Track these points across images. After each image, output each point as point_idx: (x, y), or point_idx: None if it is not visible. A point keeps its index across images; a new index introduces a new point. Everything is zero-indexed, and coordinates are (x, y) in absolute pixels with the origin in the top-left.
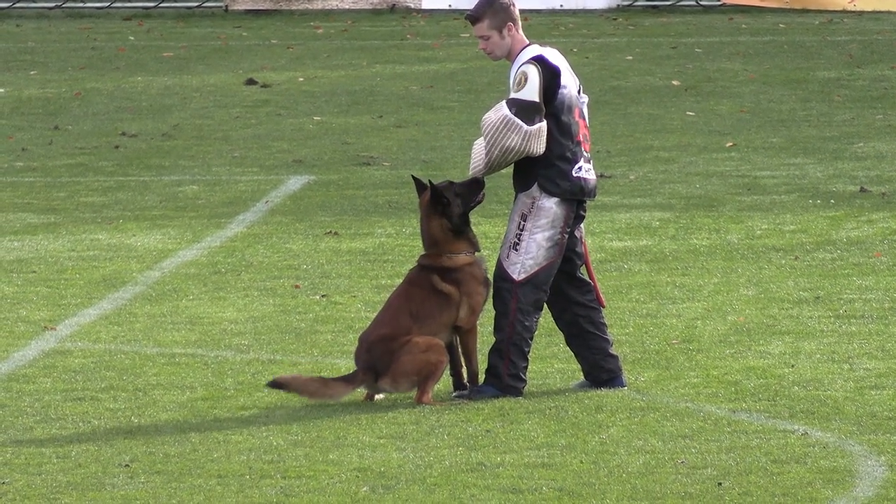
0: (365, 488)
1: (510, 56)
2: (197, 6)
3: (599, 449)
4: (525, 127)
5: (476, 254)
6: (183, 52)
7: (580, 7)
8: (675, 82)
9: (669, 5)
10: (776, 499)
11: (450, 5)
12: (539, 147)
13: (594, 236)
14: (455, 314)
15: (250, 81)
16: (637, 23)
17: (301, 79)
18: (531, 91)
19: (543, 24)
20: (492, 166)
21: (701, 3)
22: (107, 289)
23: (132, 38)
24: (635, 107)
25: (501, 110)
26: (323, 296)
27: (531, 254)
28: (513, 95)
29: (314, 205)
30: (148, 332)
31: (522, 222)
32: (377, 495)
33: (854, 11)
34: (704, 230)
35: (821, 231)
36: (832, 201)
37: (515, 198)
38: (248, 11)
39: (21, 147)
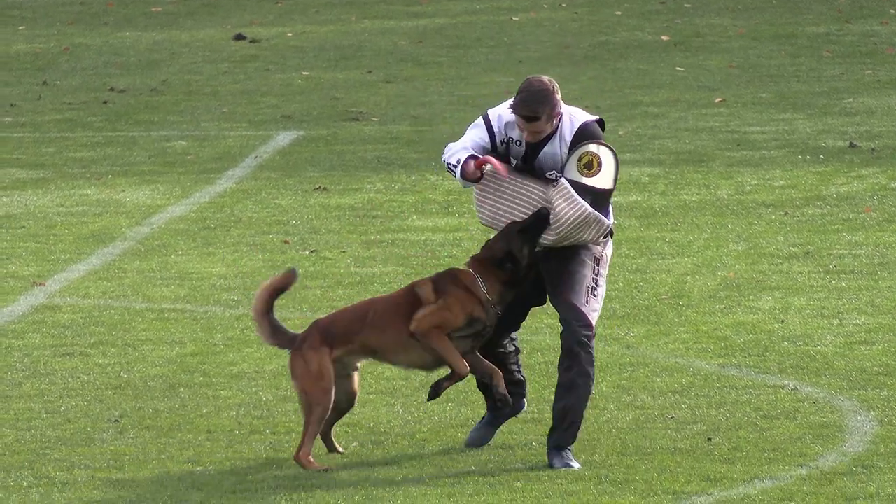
0: (355, 444)
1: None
2: None
3: (590, 404)
4: (605, 222)
5: (492, 306)
6: (171, 8)
7: None
8: (664, 37)
9: None
10: (766, 454)
11: None
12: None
13: None
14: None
15: (239, 37)
16: None
17: (290, 34)
18: (607, 178)
19: None
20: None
21: None
22: (96, 244)
23: None
24: (624, 62)
25: (578, 204)
26: (312, 251)
27: (601, 303)
28: (584, 181)
29: (303, 160)
30: (137, 287)
31: (596, 267)
32: (367, 450)
33: None
34: (694, 185)
35: (810, 186)
36: (821, 157)
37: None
38: None
39: (10, 102)
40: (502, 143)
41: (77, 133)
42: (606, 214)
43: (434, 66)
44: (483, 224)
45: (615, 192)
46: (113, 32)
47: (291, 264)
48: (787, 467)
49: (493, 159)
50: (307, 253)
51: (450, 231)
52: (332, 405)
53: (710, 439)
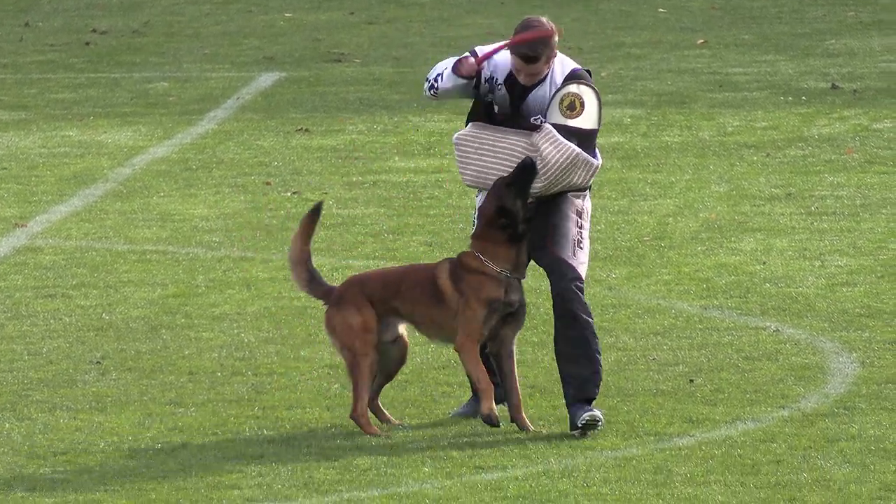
0: (336, 385)
1: None
2: None
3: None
4: (594, 162)
5: (508, 276)
6: None
7: None
8: None
9: None
10: (748, 395)
11: None
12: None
13: None
14: (451, 317)
15: None
16: None
17: None
18: (590, 118)
19: None
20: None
21: None
22: (78, 185)
23: None
24: (606, 3)
25: (564, 146)
26: (294, 192)
27: (588, 256)
28: (567, 122)
29: (285, 101)
30: (119, 228)
31: (579, 220)
32: (349, 392)
33: None
34: (676, 127)
35: (792, 128)
36: (804, 98)
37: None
38: None
39: None
40: (486, 80)
41: (59, 74)
42: (594, 155)
43: (416, 7)
44: (468, 185)
45: (599, 134)
46: None
47: (273, 206)
48: (769, 409)
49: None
50: (289, 194)
51: (431, 172)
52: (377, 362)
53: (692, 381)
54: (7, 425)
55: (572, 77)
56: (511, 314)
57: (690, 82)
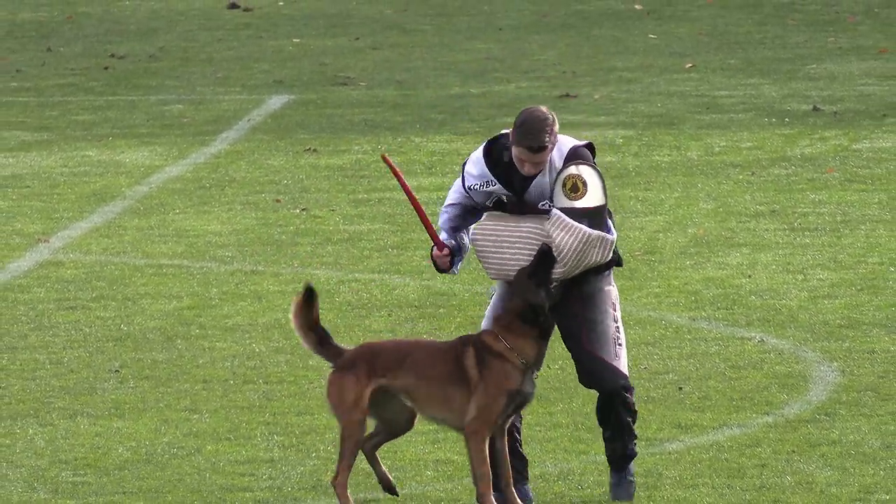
0: None
1: None
2: None
3: (566, 356)
4: (609, 237)
5: (526, 366)
6: None
7: None
8: (637, 6)
9: None
10: (734, 402)
11: None
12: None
13: None
14: (466, 400)
15: (233, 6)
16: None
17: (281, 2)
18: (595, 196)
19: None
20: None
21: None
22: (97, 203)
23: None
24: (599, 29)
25: (575, 229)
26: (303, 209)
27: (625, 349)
28: (574, 204)
29: (294, 123)
30: (136, 244)
31: (615, 313)
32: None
33: None
34: (665, 147)
35: (776, 148)
36: (787, 120)
37: (585, 282)
38: None
39: (15, 68)
40: (469, 190)
41: (79, 97)
42: (608, 229)
43: (418, 33)
44: (492, 278)
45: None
46: (113, 1)
47: (283, 222)
48: (754, 415)
49: (442, 251)
50: (298, 211)
51: (433, 190)
52: (364, 434)
53: (681, 389)
54: (30, 431)
55: (569, 158)
56: (519, 405)
57: (679, 105)
